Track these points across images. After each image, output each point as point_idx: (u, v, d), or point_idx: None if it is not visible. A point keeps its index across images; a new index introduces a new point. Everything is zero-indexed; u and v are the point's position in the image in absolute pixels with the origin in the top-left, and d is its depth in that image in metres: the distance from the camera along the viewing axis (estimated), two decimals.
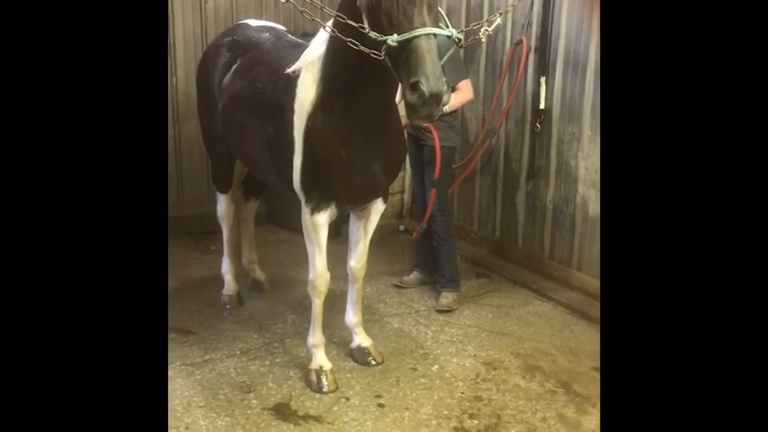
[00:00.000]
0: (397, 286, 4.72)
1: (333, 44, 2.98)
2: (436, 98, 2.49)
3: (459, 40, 2.69)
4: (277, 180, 3.49)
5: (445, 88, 2.51)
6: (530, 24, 4.72)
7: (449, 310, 4.38)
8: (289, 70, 3.26)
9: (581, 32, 4.39)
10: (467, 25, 4.17)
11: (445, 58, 2.71)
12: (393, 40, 2.52)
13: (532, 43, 4.73)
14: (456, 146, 4.57)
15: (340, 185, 3.18)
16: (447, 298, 4.44)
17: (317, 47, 3.15)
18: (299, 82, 3.20)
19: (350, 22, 2.63)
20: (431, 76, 2.46)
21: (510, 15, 4.81)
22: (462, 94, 4.21)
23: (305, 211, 3.26)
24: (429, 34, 2.52)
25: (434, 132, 4.19)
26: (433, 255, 4.68)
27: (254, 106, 3.51)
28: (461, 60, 4.40)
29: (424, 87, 2.45)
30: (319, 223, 3.25)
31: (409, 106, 2.55)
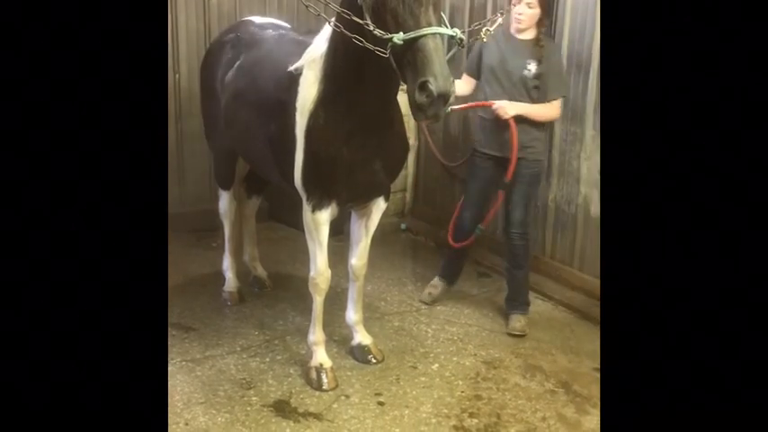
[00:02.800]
0: (424, 302, 4.46)
1: (334, 42, 2.98)
2: (444, 97, 2.49)
3: (462, 40, 2.69)
4: (279, 178, 3.49)
5: (453, 88, 2.52)
6: None
7: (522, 335, 4.09)
8: (291, 68, 3.26)
9: (584, 33, 4.38)
10: (470, 25, 4.15)
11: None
12: (399, 38, 2.51)
13: None
14: (545, 161, 4.36)
15: (341, 183, 3.18)
16: (520, 321, 4.14)
17: (320, 44, 3.15)
18: (302, 80, 3.20)
19: (355, 18, 2.63)
20: (439, 76, 2.47)
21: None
22: (548, 109, 3.97)
23: (306, 208, 3.26)
24: (435, 34, 2.52)
25: (514, 129, 3.85)
26: (459, 266, 4.52)
27: (257, 104, 3.51)
28: (564, 75, 4.16)
29: (433, 87, 2.45)
30: (320, 221, 3.24)
31: (416, 106, 2.55)
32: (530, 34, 3.90)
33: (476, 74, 4.08)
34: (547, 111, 3.97)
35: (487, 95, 3.98)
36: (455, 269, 4.54)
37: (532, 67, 3.87)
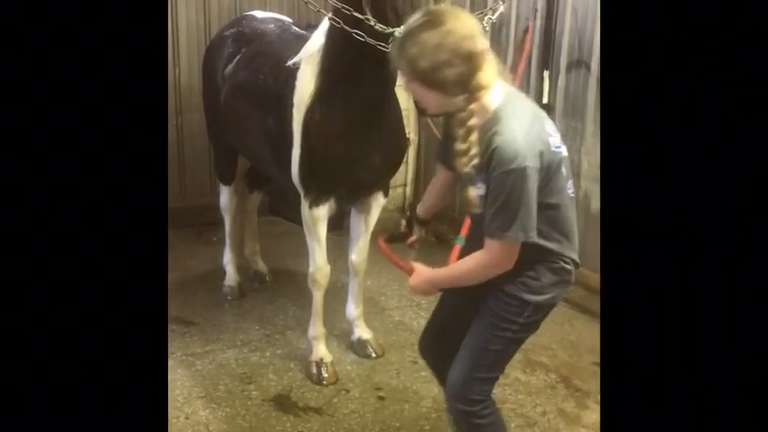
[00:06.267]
0: None
1: (331, 36, 2.97)
2: None
3: None
4: (277, 173, 3.49)
5: None
6: (537, 10, 4.65)
7: None
8: (290, 62, 3.26)
9: (585, 24, 4.36)
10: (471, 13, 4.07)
11: None
12: (400, 31, 2.48)
13: (535, 38, 4.69)
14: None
15: (339, 179, 3.18)
16: None
17: (318, 38, 3.15)
18: (299, 74, 3.20)
19: (356, 14, 2.60)
20: None
21: (514, 9, 4.78)
22: (475, 265, 2.16)
23: (304, 204, 3.26)
24: None
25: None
26: None
27: (255, 98, 3.51)
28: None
29: None
30: (318, 217, 3.25)
31: None
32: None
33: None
34: (474, 267, 2.14)
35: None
36: None
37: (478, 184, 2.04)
